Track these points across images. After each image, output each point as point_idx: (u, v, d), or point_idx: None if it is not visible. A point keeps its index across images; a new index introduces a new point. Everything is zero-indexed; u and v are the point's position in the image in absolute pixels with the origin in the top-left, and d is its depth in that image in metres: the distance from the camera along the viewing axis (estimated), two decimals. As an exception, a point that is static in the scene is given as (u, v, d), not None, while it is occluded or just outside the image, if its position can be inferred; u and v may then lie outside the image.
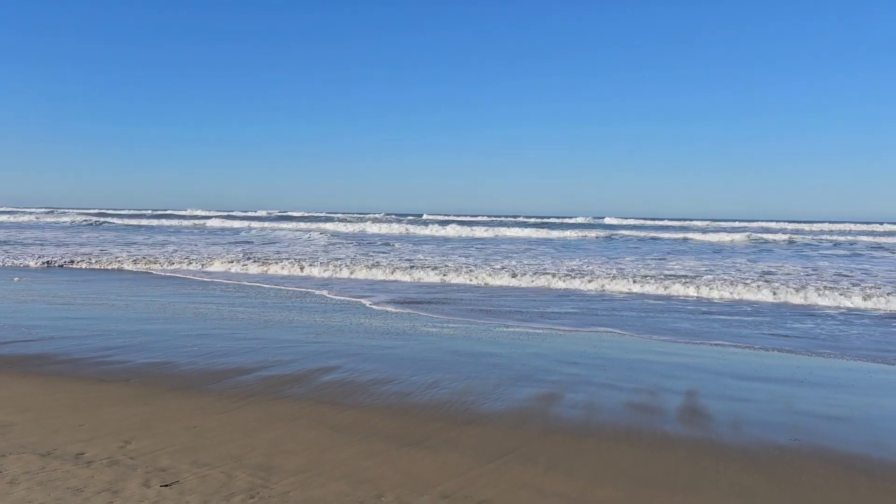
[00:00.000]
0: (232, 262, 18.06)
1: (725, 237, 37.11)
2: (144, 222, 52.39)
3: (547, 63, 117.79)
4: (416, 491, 3.76)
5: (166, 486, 3.71)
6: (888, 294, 12.44)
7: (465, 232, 39.87)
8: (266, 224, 50.21)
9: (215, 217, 62.29)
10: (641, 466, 4.26)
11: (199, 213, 77.91)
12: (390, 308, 11.23)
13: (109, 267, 17.87)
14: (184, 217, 66.22)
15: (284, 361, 7.00)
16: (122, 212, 79.79)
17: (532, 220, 70.27)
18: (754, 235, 38.29)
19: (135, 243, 26.43)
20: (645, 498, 3.78)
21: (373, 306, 11.43)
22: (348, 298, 12.41)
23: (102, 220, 54.46)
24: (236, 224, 51.35)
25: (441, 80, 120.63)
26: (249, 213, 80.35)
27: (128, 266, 17.85)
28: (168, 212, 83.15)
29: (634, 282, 14.39)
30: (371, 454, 4.35)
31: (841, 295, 12.50)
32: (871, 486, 4.03)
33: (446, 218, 71.61)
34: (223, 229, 45.09)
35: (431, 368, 6.82)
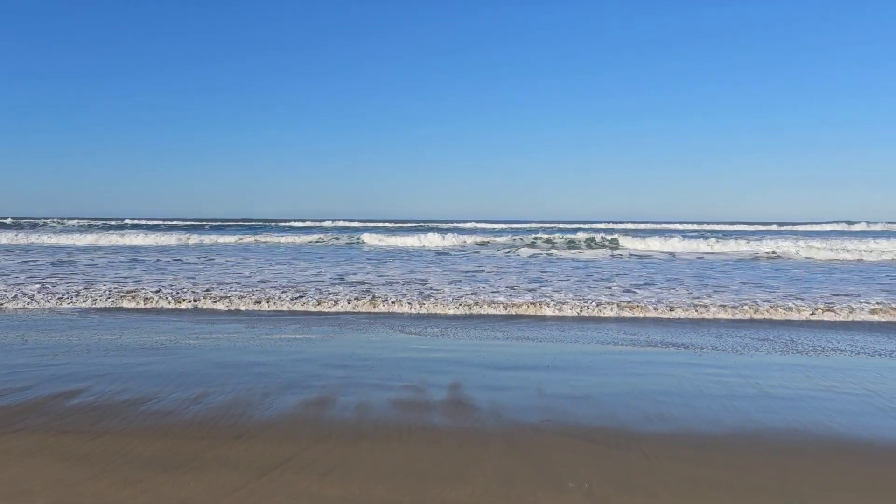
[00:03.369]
0: None
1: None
2: None
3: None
4: (183, 516, 3.52)
5: None
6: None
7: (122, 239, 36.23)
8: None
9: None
10: (413, 461, 4.42)
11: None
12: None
13: None
14: None
15: (15, 389, 6.13)
16: None
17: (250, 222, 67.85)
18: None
19: None
20: (417, 491, 3.93)
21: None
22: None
23: None
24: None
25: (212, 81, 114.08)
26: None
27: None
28: None
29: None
30: (128, 483, 3.99)
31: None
32: (608, 455, 4.58)
33: (152, 222, 68.09)
34: None
35: (194, 383, 6.43)
